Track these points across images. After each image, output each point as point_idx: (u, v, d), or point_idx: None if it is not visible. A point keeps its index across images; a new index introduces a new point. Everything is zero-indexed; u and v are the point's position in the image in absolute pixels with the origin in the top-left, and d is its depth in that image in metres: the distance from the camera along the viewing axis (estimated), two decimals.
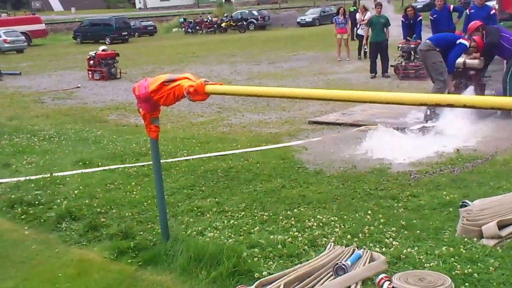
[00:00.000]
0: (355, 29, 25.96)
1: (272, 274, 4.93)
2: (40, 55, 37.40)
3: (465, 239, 5.52)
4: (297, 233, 5.91)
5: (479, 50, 11.20)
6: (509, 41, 10.79)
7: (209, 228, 6.23)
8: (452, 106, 3.79)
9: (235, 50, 32.20)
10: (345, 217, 6.34)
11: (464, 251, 5.26)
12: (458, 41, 10.94)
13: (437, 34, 11.93)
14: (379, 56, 18.57)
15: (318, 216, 6.36)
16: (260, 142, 10.21)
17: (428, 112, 10.73)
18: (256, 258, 5.34)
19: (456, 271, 4.84)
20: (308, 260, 5.19)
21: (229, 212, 6.71)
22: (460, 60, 11.31)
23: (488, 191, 6.91)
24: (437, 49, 10.97)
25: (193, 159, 9.22)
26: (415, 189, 7.19)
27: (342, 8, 24.31)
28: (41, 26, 53.32)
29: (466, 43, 10.95)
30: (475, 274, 4.79)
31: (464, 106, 3.66)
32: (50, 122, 13.46)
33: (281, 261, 5.31)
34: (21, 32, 45.29)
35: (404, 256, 5.21)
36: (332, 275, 4.84)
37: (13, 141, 11.30)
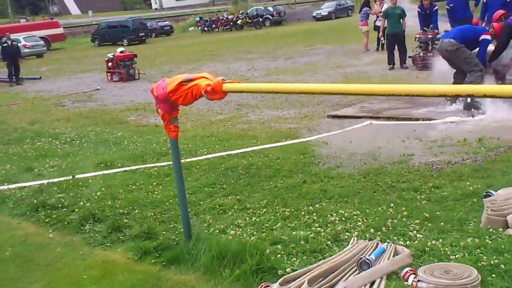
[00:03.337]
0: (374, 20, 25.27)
1: (296, 270, 4.92)
2: (59, 59, 37.65)
3: (490, 230, 5.46)
4: (319, 228, 5.90)
5: (496, 37, 11.21)
6: None
7: (231, 226, 6.24)
8: (472, 96, 3.75)
9: (252, 47, 32.17)
10: (367, 211, 6.31)
11: (489, 242, 5.20)
12: (481, 38, 11.00)
13: (456, 30, 11.86)
14: (396, 47, 18.44)
15: (340, 211, 6.34)
16: (280, 137, 10.19)
17: (469, 100, 10.76)
18: (279, 255, 5.34)
19: (482, 263, 4.79)
20: (331, 256, 5.17)
21: (251, 209, 6.71)
22: None
23: None
24: (463, 45, 11.01)
25: (213, 157, 9.22)
26: (438, 180, 7.13)
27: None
28: (60, 30, 53.61)
29: (488, 37, 11.03)
30: (502, 265, 4.73)
31: (484, 96, 3.62)
32: (71, 125, 13.56)
33: (305, 257, 5.30)
34: (40, 37, 45.64)
35: (428, 249, 5.17)
36: (356, 270, 4.82)
37: (35, 145, 11.41)
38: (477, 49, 11.08)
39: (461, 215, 5.92)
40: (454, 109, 11.01)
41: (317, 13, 55.52)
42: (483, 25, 15.01)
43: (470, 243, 5.20)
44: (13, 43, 24.94)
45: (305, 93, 4.92)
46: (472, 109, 10.73)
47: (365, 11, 24.08)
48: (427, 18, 18.07)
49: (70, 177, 8.61)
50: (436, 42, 16.86)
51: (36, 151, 10.84)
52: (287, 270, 4.99)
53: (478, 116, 10.34)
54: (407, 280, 4.57)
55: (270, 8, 56.86)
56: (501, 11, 11.57)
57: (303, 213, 6.42)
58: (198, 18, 60.05)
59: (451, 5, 16.81)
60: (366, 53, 23.12)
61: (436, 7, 18.42)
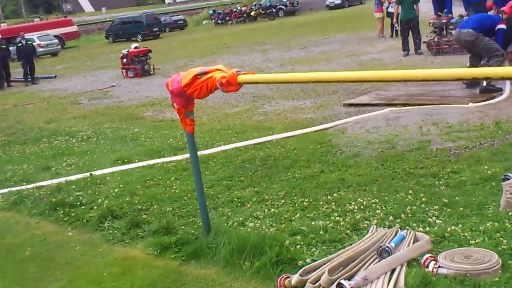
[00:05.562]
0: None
1: (316, 260, 4.91)
2: (74, 57, 37.81)
3: (510, 213, 5.42)
4: (338, 217, 5.88)
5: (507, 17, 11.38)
6: None
7: (250, 218, 6.23)
8: (489, 79, 3.72)
9: (266, 38, 32.11)
10: (386, 198, 6.28)
11: (509, 226, 5.17)
12: (497, 28, 11.04)
13: (473, 19, 11.80)
14: (411, 33, 18.31)
15: (358, 199, 6.31)
16: (296, 128, 10.15)
17: (485, 84, 10.75)
18: (299, 246, 5.32)
19: (502, 246, 4.76)
20: (351, 245, 5.15)
21: (269, 201, 6.70)
22: None
23: None
24: (481, 34, 11.03)
25: (230, 149, 9.21)
26: (456, 165, 7.08)
27: None
28: (74, 28, 53.86)
29: (504, 26, 11.04)
30: None
31: (501, 78, 3.59)
32: (87, 122, 13.61)
33: (324, 247, 5.29)
34: (54, 36, 45.91)
35: (448, 234, 5.15)
36: (376, 258, 4.80)
37: (52, 144, 11.47)
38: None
39: (480, 199, 5.88)
40: (471, 94, 10.96)
41: (330, 2, 55.36)
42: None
43: (490, 227, 5.17)
44: (28, 42, 25.05)
45: (321, 82, 4.90)
46: (488, 93, 10.67)
47: None
48: (441, 2, 17.91)
49: (88, 174, 8.66)
50: (451, 26, 16.77)
51: (53, 150, 10.90)
52: (307, 260, 4.98)
53: (495, 99, 10.28)
54: (427, 267, 4.55)
55: None
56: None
57: (321, 203, 6.40)
58: (212, 11, 60.08)
59: None
60: (380, 40, 23.02)
61: None
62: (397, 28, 21.62)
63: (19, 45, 24.92)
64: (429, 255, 4.69)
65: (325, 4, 55.86)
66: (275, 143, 9.31)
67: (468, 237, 5.06)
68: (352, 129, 9.60)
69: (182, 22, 59.38)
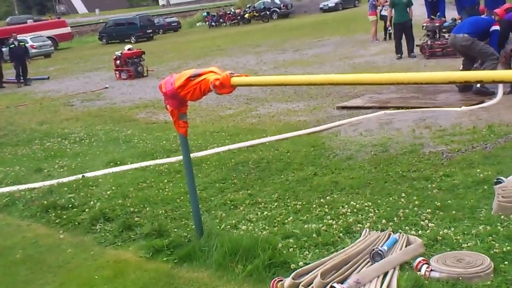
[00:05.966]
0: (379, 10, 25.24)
1: (308, 264, 4.90)
2: (67, 58, 37.69)
3: (502, 217, 5.43)
4: (331, 220, 5.87)
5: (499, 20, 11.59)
6: None
7: (243, 221, 6.22)
8: (481, 82, 3.72)
9: (260, 40, 32.11)
10: (379, 201, 6.28)
11: (501, 229, 5.17)
12: (491, 29, 11.16)
13: (468, 23, 11.85)
14: (404, 36, 18.35)
15: (351, 202, 6.31)
16: (290, 130, 10.14)
17: (478, 85, 10.78)
18: (292, 249, 5.32)
19: (494, 250, 4.77)
20: (344, 248, 5.15)
21: (262, 204, 6.69)
22: None
23: None
24: (476, 39, 11.14)
25: (223, 152, 9.20)
26: (448, 168, 7.09)
27: None
28: (67, 30, 53.63)
29: (498, 27, 11.17)
30: None
31: (493, 82, 3.59)
32: (80, 124, 13.57)
33: (317, 250, 5.28)
34: (48, 37, 45.70)
35: (441, 238, 5.15)
36: (369, 261, 4.79)
37: (44, 146, 11.42)
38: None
39: (472, 202, 5.89)
40: (464, 97, 10.99)
41: (324, 5, 55.37)
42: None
43: (482, 231, 5.17)
44: (20, 43, 24.95)
45: (314, 85, 4.90)
46: (482, 94, 10.72)
47: (372, 1, 24.03)
48: (434, 6, 17.97)
49: (80, 177, 8.62)
50: (444, 30, 16.81)
51: (45, 152, 10.85)
52: (299, 264, 4.97)
53: (488, 102, 10.31)
54: (420, 270, 4.55)
55: (277, 1, 56.56)
56: (506, 5, 11.83)
57: (314, 205, 6.40)
58: (205, 13, 59.94)
59: None
60: (374, 43, 23.06)
61: None
62: (390, 31, 21.67)
63: (11, 46, 24.81)
64: (421, 258, 4.69)
65: (319, 7, 55.89)
66: (268, 145, 9.31)
67: (461, 241, 5.06)
68: (345, 132, 9.60)
69: (176, 24, 59.33)
